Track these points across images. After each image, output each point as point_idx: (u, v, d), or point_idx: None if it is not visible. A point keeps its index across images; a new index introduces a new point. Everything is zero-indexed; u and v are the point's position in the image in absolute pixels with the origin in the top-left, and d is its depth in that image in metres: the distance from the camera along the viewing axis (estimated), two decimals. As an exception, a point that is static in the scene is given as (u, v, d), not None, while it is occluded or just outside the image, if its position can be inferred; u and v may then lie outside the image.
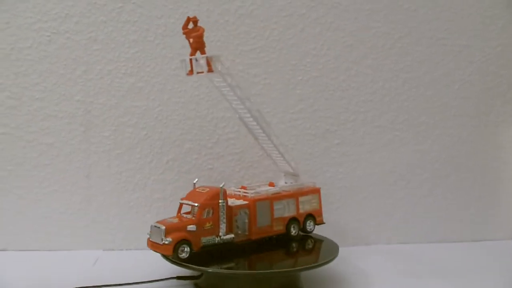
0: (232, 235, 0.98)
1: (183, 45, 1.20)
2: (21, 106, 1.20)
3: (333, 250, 1.00)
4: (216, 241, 0.96)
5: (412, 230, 1.34)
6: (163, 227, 0.92)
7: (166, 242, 0.91)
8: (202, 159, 1.25)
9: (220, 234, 0.96)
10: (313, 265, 0.92)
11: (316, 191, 1.12)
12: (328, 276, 1.06)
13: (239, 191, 1.05)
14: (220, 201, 0.96)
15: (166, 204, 1.24)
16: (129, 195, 1.24)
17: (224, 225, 0.96)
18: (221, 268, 0.91)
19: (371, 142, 1.31)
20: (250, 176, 1.27)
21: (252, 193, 1.03)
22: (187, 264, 0.91)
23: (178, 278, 1.00)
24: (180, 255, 0.92)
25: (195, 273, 0.99)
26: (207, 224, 0.95)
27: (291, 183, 1.12)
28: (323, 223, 1.12)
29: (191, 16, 0.96)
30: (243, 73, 1.25)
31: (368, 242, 1.31)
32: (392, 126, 1.31)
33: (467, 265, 1.16)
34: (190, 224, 0.93)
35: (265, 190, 1.06)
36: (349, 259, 1.15)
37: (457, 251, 1.28)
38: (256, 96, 1.26)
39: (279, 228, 1.04)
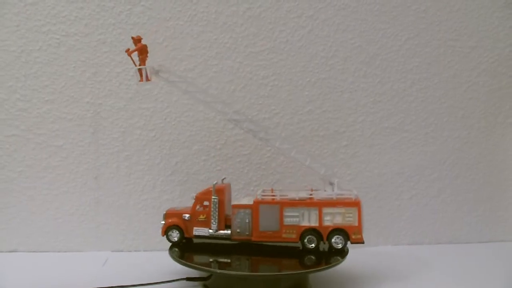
0: (229, 232, 1.01)
1: (192, 47, 1.23)
2: (31, 108, 1.21)
3: (342, 252, 1.00)
4: (208, 234, 1.02)
5: (421, 231, 1.34)
6: (164, 212, 1.06)
7: (161, 224, 1.05)
8: (210, 160, 1.26)
9: (211, 228, 1.01)
10: (322, 267, 0.92)
11: (353, 204, 1.00)
12: (336, 278, 1.06)
13: (260, 193, 1.05)
14: (212, 197, 1.01)
15: (174, 205, 1.24)
16: (138, 197, 1.25)
17: (216, 220, 1.01)
18: (230, 270, 0.91)
19: (379, 143, 1.31)
20: (258, 178, 1.27)
21: (260, 195, 1.03)
22: (196, 265, 0.91)
23: (188, 279, 1.00)
24: (171, 238, 1.04)
25: (204, 274, 0.99)
26: (201, 216, 1.03)
27: (325, 191, 1.05)
28: (361, 242, 0.99)
29: (134, 36, 1.05)
30: (251, 75, 1.26)
31: (377, 243, 1.31)
32: (401, 127, 1.31)
33: (476, 267, 1.16)
34: (185, 213, 1.03)
35: (286, 194, 1.03)
36: (358, 261, 1.14)
37: (465, 253, 1.27)
38: (264, 98, 1.26)
39: (290, 236, 1.00)
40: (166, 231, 1.04)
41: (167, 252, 0.99)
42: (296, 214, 1.00)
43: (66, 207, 1.24)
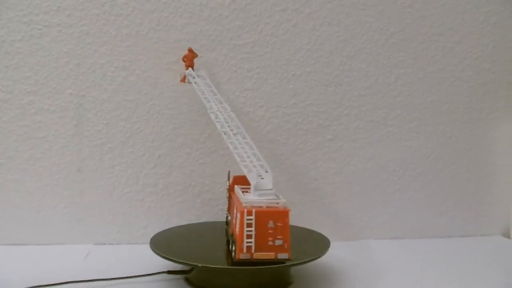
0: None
1: (176, 40, 1.22)
2: (13, 99, 1.20)
3: (324, 245, 1.00)
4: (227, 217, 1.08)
5: (404, 225, 1.34)
6: None
7: None
8: (194, 153, 1.25)
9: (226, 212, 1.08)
10: (303, 260, 0.92)
11: (240, 212, 0.87)
12: (318, 271, 1.06)
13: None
14: (227, 183, 1.08)
15: (158, 198, 1.24)
16: (121, 189, 1.24)
17: (226, 205, 1.08)
18: (212, 263, 0.91)
19: (364, 137, 1.31)
20: (241, 172, 1.26)
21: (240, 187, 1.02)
22: (178, 259, 0.91)
23: (169, 272, 1.00)
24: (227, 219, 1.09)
25: (185, 268, 0.99)
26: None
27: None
28: (237, 259, 0.87)
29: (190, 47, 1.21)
30: (236, 68, 1.25)
31: (360, 237, 1.31)
32: (385, 121, 1.32)
33: (459, 260, 1.17)
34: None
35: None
36: (341, 254, 1.15)
37: (448, 246, 1.28)
38: (249, 91, 1.26)
39: (231, 236, 0.95)
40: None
41: (149, 245, 0.99)
42: (234, 212, 0.95)
43: (48, 199, 1.22)
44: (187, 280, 0.99)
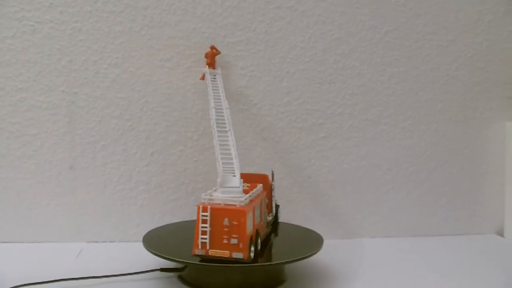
0: None
1: (170, 37, 1.21)
2: (4, 96, 1.19)
3: (318, 243, 1.00)
4: None
5: (398, 223, 1.34)
6: None
7: None
8: (187, 151, 1.24)
9: None
10: (296, 258, 0.91)
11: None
12: (312, 269, 1.06)
13: None
14: None
15: (150, 196, 1.24)
16: (114, 187, 1.23)
17: None
18: (205, 261, 0.90)
19: (357, 136, 1.31)
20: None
21: None
22: (171, 257, 0.90)
23: (162, 270, 0.99)
24: None
25: (179, 265, 0.98)
26: None
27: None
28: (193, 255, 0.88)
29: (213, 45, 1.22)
30: (229, 65, 1.24)
31: (354, 235, 1.31)
32: (379, 120, 1.31)
33: (453, 259, 1.17)
34: None
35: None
36: (334, 252, 1.15)
37: (442, 245, 1.28)
38: (243, 89, 1.25)
39: None
40: None
41: (142, 243, 0.98)
42: None
43: (40, 197, 1.22)
44: (181, 278, 0.98)
